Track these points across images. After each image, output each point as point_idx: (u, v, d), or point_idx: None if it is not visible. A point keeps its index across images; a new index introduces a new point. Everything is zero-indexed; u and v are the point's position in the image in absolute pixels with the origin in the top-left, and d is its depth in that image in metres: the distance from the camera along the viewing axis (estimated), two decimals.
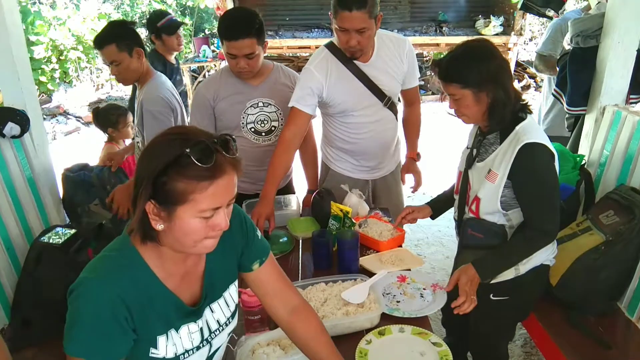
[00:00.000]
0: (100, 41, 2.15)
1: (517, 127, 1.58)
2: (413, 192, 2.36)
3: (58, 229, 1.91)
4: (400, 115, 2.37)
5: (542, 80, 8.40)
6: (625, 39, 2.08)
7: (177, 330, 1.05)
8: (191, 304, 1.09)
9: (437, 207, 2.01)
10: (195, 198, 0.92)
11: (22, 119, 2.01)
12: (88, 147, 6.68)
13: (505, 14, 7.75)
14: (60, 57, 9.35)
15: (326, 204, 2.01)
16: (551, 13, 2.93)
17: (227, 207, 1.00)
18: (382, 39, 2.13)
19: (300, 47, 8.11)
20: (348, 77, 2.12)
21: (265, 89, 2.20)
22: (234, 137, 1.00)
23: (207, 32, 13.58)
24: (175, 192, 0.91)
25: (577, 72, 2.26)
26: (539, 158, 1.53)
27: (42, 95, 9.24)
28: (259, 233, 1.23)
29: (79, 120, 7.82)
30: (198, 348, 1.10)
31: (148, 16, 3.31)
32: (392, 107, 2.25)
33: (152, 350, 1.02)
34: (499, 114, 1.59)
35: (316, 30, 8.45)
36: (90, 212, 2.22)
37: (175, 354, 1.05)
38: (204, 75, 8.78)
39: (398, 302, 1.63)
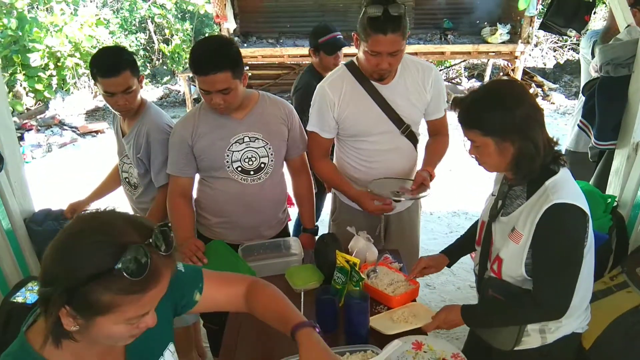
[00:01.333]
0: (116, 67, 1.90)
1: (547, 182, 1.38)
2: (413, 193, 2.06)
3: (32, 282, 1.71)
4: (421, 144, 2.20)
5: (549, 89, 8.22)
6: None
7: None
8: None
9: (454, 255, 1.83)
10: (123, 309, 0.82)
11: None
12: (85, 159, 6.51)
13: (512, 22, 7.55)
14: (58, 64, 9.18)
15: (331, 252, 1.81)
16: (573, 33, 2.75)
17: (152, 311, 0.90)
18: (406, 63, 1.98)
19: (302, 56, 7.91)
20: (363, 98, 1.97)
21: (251, 122, 1.97)
22: (169, 224, 0.88)
23: (206, 35, 13.44)
24: (98, 304, 0.81)
25: (606, 104, 2.06)
26: (567, 223, 1.34)
27: (39, 104, 9.07)
28: (180, 267, 1.12)
29: (74, 131, 7.62)
30: None
31: (313, 28, 3.15)
32: (410, 137, 2.07)
33: None
34: (526, 167, 1.39)
35: None
36: None
37: None
38: None
39: None
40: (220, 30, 7.62)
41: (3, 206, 1.92)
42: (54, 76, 9.17)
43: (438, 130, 2.18)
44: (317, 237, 2.02)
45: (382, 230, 2.20)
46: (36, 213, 2.14)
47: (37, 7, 9.78)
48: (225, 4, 7.26)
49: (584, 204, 1.36)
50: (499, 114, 1.35)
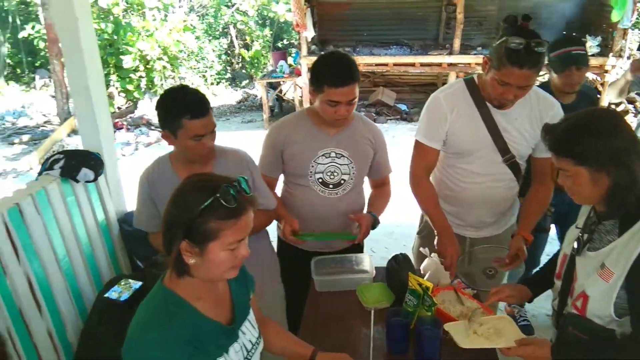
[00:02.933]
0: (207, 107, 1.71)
1: None
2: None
3: (124, 280, 1.86)
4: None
5: None
6: None
7: (227, 352, 1.19)
8: (227, 324, 1.23)
9: (536, 288, 1.74)
10: (225, 234, 1.08)
11: (96, 164, 1.99)
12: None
13: (603, 34, 7.13)
14: (147, 67, 9.80)
15: (403, 273, 1.81)
16: None
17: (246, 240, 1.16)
18: (529, 93, 1.88)
19: (377, 64, 7.92)
20: (474, 118, 1.92)
21: (341, 139, 2.04)
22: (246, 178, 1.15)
23: (285, 42, 13.80)
24: (207, 232, 1.07)
25: None
26: None
27: (129, 104, 9.74)
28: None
29: (160, 131, 8.10)
30: None
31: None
32: (513, 167, 1.99)
33: None
34: (620, 200, 1.32)
35: (395, 47, 8.24)
36: (154, 264, 2.17)
37: None
38: (280, 91, 8.84)
39: None
40: (299, 38, 7.80)
41: (101, 207, 2.10)
42: (143, 77, 9.80)
43: (543, 173, 2.02)
44: (389, 259, 2.01)
45: (466, 254, 2.15)
46: (128, 214, 2.31)
47: (131, 13, 10.51)
48: (305, 13, 7.43)
49: None
50: (594, 143, 1.29)
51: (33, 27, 11.30)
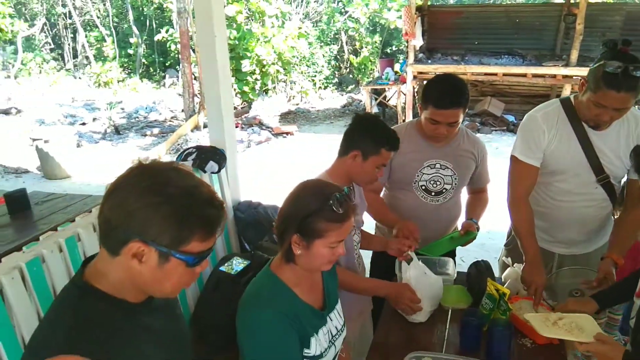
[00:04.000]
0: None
1: None
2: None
3: (235, 258, 2.19)
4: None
5: None
6: None
7: (317, 333, 1.39)
8: (319, 309, 1.44)
9: (606, 302, 1.77)
10: (330, 234, 1.30)
11: (220, 158, 2.35)
12: (276, 157, 7.45)
13: None
14: (262, 70, 10.52)
15: (483, 279, 1.93)
16: None
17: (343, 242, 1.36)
18: (627, 115, 1.91)
19: (486, 74, 7.79)
20: (571, 138, 1.97)
21: (446, 151, 2.19)
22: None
23: (393, 48, 13.94)
24: (316, 230, 1.29)
25: None
26: None
27: (244, 104, 10.53)
28: None
29: (269, 131, 8.71)
30: (329, 347, 1.44)
31: None
32: (607, 187, 2.02)
33: (306, 350, 1.36)
34: None
35: (506, 56, 8.04)
36: (259, 247, 2.50)
37: (320, 351, 1.40)
38: (384, 97, 9.02)
39: None
40: (407, 46, 7.92)
41: (221, 194, 2.48)
42: (259, 80, 10.53)
43: (637, 196, 2.02)
44: (471, 264, 2.13)
45: (554, 270, 2.20)
46: (241, 203, 2.68)
47: (252, 20, 11.33)
48: (415, 22, 7.54)
49: None
50: None
51: (167, 31, 12.54)
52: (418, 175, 2.19)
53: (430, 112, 2.02)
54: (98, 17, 16.16)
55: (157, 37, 13.17)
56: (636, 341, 1.60)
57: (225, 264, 2.13)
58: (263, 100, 10.56)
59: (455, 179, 2.21)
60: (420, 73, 7.90)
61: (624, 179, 2.07)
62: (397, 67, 9.79)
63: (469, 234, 2.23)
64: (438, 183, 2.20)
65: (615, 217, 2.18)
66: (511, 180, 2.08)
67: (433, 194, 2.22)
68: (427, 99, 2.04)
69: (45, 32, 17.13)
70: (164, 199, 0.91)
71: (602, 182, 1.99)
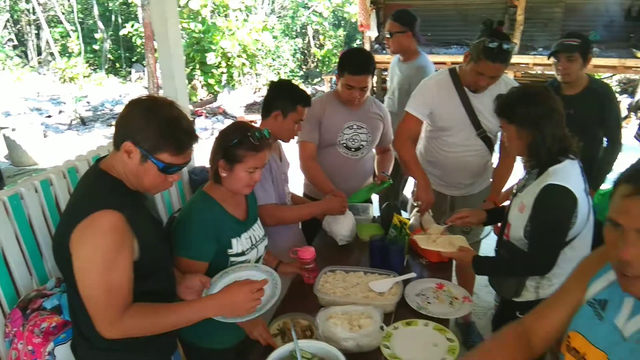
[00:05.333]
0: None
1: (550, 168, 1.77)
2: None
3: None
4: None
5: None
6: None
7: (239, 236, 1.77)
8: (242, 220, 1.82)
9: (492, 216, 2.22)
10: (248, 160, 1.68)
11: None
12: None
13: None
14: (228, 63, 10.79)
15: (391, 214, 2.36)
16: None
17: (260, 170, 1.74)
18: (501, 81, 2.40)
19: (435, 63, 8.26)
20: (455, 100, 2.45)
21: (361, 115, 2.63)
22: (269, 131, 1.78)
23: (358, 42, 14.37)
24: (238, 155, 1.68)
25: None
26: (555, 200, 1.70)
27: (209, 96, 10.80)
28: None
29: (233, 119, 9.04)
30: (251, 249, 1.81)
31: None
32: (485, 139, 2.51)
33: (229, 250, 1.74)
34: (534, 154, 1.80)
35: (455, 47, 8.55)
36: None
37: (242, 250, 1.77)
38: None
39: (429, 302, 1.93)
40: (363, 37, 8.35)
41: None
42: (224, 73, 10.80)
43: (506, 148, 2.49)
44: (384, 205, 2.58)
45: (447, 208, 2.66)
46: (195, 167, 3.05)
47: (217, 14, 11.58)
48: (370, 14, 7.97)
49: (574, 188, 1.71)
50: (521, 107, 1.78)
51: (132, 26, 12.62)
52: (340, 135, 2.61)
53: (346, 78, 2.44)
54: (63, 13, 16.07)
55: (123, 32, 13.24)
56: (497, 253, 2.06)
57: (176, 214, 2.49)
58: (229, 92, 10.85)
59: (369, 136, 2.64)
60: (377, 62, 8.32)
61: (500, 133, 2.53)
62: None
63: (384, 183, 2.67)
64: (356, 141, 2.63)
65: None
66: (401, 128, 2.53)
67: (353, 150, 2.65)
68: (343, 68, 2.45)
69: (8, 29, 16.94)
70: (155, 117, 1.33)
71: (481, 135, 2.47)
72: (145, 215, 1.46)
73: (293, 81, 2.55)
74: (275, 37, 12.76)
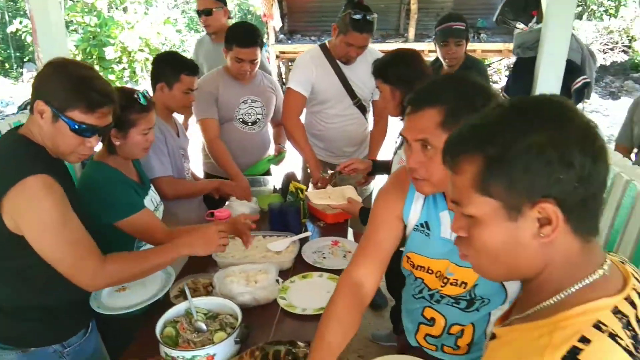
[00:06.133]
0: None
1: None
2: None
3: None
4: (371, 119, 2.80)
5: None
6: (556, 50, 2.36)
7: (147, 195, 1.85)
8: (139, 183, 1.85)
9: (377, 166, 2.39)
10: (140, 122, 1.70)
11: None
12: None
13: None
14: (130, 58, 10.36)
15: (288, 182, 2.45)
16: (521, 26, 3.19)
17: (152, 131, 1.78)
18: (367, 52, 2.55)
19: None
20: (330, 74, 2.58)
21: (254, 89, 2.69)
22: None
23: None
24: (130, 120, 1.69)
25: (517, 79, 2.55)
26: None
27: None
28: None
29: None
30: (155, 210, 1.85)
31: None
32: (361, 108, 2.69)
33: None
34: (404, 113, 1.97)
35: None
36: None
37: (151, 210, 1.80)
38: None
39: (324, 258, 2.04)
40: (267, 27, 8.40)
41: None
42: (126, 69, 10.36)
43: (379, 112, 2.73)
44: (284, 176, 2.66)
45: (337, 179, 2.81)
46: None
47: (115, 7, 11.06)
48: (272, 4, 8.03)
49: None
50: (396, 69, 1.93)
51: (21, 22, 11.75)
52: (237, 111, 2.65)
53: (235, 52, 2.48)
54: None
55: (10, 29, 12.25)
56: None
57: None
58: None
59: (264, 109, 2.71)
60: (283, 53, 8.44)
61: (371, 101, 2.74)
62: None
63: (281, 154, 2.77)
64: (252, 115, 2.68)
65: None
66: (287, 106, 2.64)
67: (250, 124, 2.70)
68: (231, 41, 2.48)
69: None
70: (65, 75, 1.32)
71: (357, 104, 2.64)
72: (68, 185, 1.44)
73: None
74: (179, 31, 12.43)
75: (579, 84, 2.54)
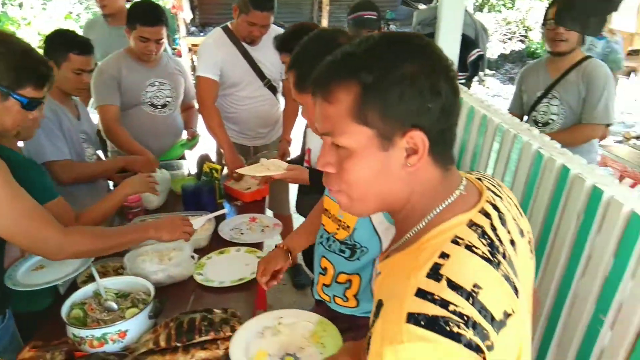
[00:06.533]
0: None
1: None
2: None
3: None
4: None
5: (485, 75, 8.90)
6: (451, 25, 2.51)
7: None
8: None
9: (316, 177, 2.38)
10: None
11: None
12: None
13: None
14: None
15: (203, 164, 2.41)
16: (423, 7, 3.36)
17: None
18: (271, 31, 2.51)
19: None
20: (237, 56, 2.54)
21: (160, 71, 2.60)
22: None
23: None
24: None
25: None
26: None
27: None
28: None
29: None
30: None
31: None
32: (271, 88, 2.68)
33: None
34: None
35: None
36: None
37: None
38: None
39: (242, 234, 2.04)
40: (176, 20, 8.15)
41: None
42: None
43: (289, 91, 2.63)
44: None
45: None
46: None
47: (9, 3, 10.20)
48: None
49: None
50: (297, 40, 1.94)
51: None
52: (144, 94, 2.55)
53: (139, 31, 2.38)
54: None
55: None
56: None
57: None
58: None
59: (173, 92, 2.64)
60: (195, 45, 8.23)
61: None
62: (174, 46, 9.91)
63: (195, 139, 2.72)
64: (160, 98, 2.60)
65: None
66: (200, 95, 2.58)
67: (159, 107, 2.61)
68: (135, 20, 2.39)
69: None
70: (8, 51, 1.28)
71: (267, 85, 2.64)
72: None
73: None
74: (82, 27, 11.71)
75: (474, 57, 2.73)
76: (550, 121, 2.40)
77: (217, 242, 1.96)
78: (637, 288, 1.17)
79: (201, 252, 1.86)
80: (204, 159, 2.47)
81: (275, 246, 1.59)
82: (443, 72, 0.68)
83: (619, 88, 3.82)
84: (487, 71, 9.06)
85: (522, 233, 0.78)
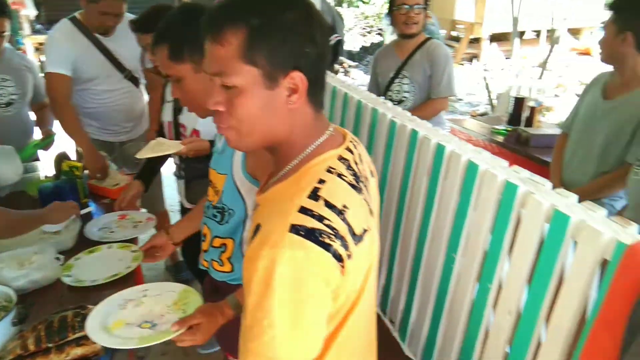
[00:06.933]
0: None
1: None
2: None
3: None
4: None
5: (349, 66, 9.38)
6: None
7: None
8: None
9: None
10: None
11: None
12: None
13: None
14: None
15: (61, 163, 2.24)
16: None
17: None
18: (126, 20, 2.36)
19: None
20: (91, 49, 2.38)
21: (2, 66, 2.37)
22: None
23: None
24: None
25: None
26: None
27: None
28: None
29: None
30: None
31: None
32: (133, 80, 2.56)
33: None
34: None
35: None
36: None
37: None
38: None
39: (112, 232, 1.93)
40: (19, 17, 7.37)
41: None
42: None
43: (152, 81, 2.63)
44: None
45: (119, 154, 2.71)
46: None
47: None
48: None
49: None
50: (155, 19, 1.88)
51: None
52: None
53: None
54: None
55: None
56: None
57: None
58: None
59: (18, 89, 2.43)
60: (42, 44, 7.49)
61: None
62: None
63: (49, 137, 2.51)
64: (4, 96, 2.38)
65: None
66: (51, 93, 2.38)
67: (3, 105, 2.39)
68: None
69: None
70: None
71: (128, 76, 2.53)
72: None
73: None
74: None
75: (333, 42, 2.88)
76: (403, 99, 2.63)
77: (85, 244, 1.83)
78: (478, 219, 1.39)
79: (67, 254, 1.74)
80: (61, 158, 2.29)
81: None
82: (318, 24, 0.78)
83: (463, 72, 4.29)
84: (351, 63, 9.57)
85: (372, 174, 0.96)
